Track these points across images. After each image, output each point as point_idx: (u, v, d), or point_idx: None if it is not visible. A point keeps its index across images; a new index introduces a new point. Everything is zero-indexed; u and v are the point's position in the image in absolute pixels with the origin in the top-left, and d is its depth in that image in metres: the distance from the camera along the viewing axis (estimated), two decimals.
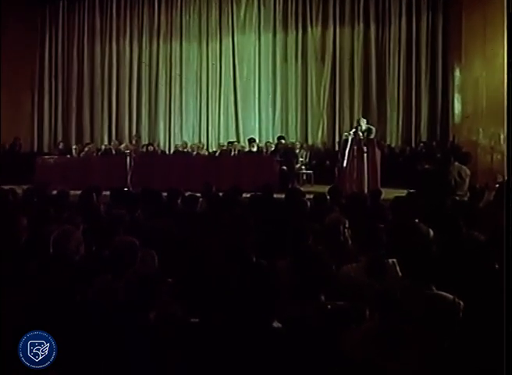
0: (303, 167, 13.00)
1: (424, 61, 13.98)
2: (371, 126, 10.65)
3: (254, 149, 13.05)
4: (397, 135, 14.20)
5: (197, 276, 3.74)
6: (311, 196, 6.59)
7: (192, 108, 15.40)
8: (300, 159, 13.09)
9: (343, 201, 6.53)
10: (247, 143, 13.89)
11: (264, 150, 13.29)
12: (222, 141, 14.82)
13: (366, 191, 9.28)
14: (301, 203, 5.90)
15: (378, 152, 10.31)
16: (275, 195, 7.26)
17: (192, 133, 15.40)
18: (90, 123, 15.74)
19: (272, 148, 12.99)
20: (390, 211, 5.59)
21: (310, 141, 14.64)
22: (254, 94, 15.00)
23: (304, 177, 12.90)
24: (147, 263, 3.70)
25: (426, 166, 11.34)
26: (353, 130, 10.41)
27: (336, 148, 13.41)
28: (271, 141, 14.04)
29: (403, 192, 7.58)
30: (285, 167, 11.92)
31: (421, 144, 13.26)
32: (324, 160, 13.46)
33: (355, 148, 10.11)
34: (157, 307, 2.83)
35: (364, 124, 10.43)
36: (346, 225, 4.43)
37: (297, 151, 13.25)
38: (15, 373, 2.47)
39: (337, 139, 14.03)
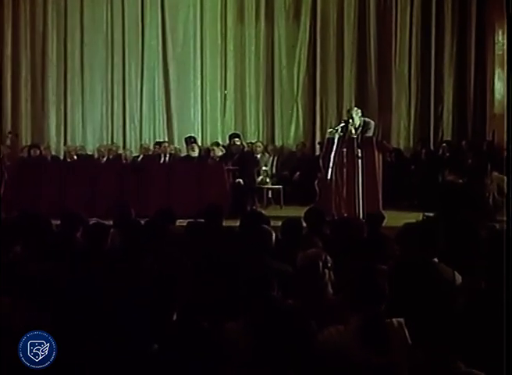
0: (267, 180, 13.06)
1: (449, 21, 14.14)
2: (369, 120, 10.76)
3: (195, 153, 13.04)
4: (408, 132, 14.43)
5: (105, 347, 3.70)
6: (279, 223, 6.62)
7: (100, 91, 15.34)
8: (264, 168, 13.16)
9: (327, 231, 6.57)
10: (183, 144, 13.91)
11: (210, 154, 13.29)
12: (145, 140, 14.84)
13: (361, 214, 9.37)
14: (264, 234, 5.90)
15: (378, 157, 10.42)
16: (224, 223, 7.29)
17: (100, 129, 15.35)
18: None
19: (222, 152, 13.01)
20: (397, 245, 5.65)
21: (278, 142, 14.80)
22: (195, 71, 15.06)
23: (270, 195, 12.98)
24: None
25: (450, 178, 11.51)
26: (342, 124, 10.49)
27: (317, 152, 13.52)
28: (219, 141, 14.10)
29: (415, 217, 7.67)
30: (240, 180, 11.96)
31: (444, 145, 13.44)
32: (298, 169, 13.56)
33: (345, 151, 10.19)
34: None
35: (358, 116, 10.54)
36: (329, 264, 4.44)
37: (259, 155, 13.34)
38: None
39: (318, 138, 14.19)
